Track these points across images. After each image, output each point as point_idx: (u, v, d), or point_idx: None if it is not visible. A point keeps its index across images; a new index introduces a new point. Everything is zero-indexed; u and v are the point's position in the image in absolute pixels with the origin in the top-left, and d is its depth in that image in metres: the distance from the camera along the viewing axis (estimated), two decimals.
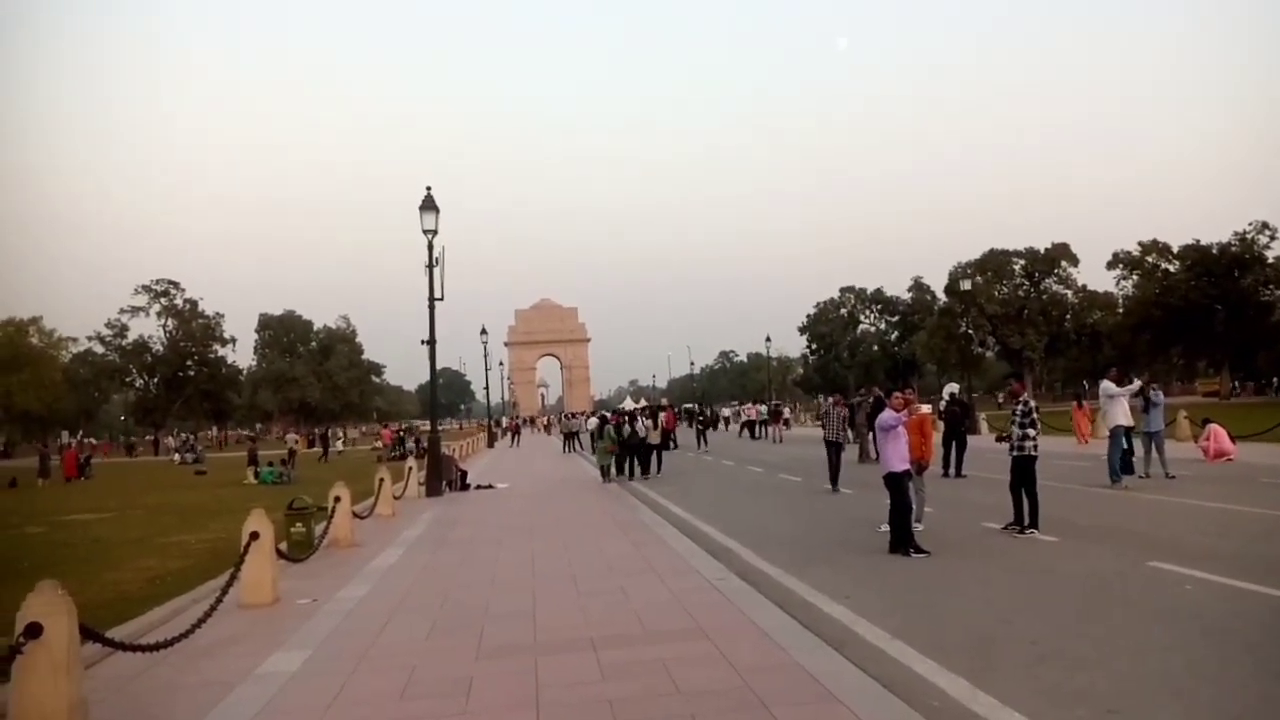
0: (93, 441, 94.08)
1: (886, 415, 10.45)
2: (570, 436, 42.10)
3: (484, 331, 57.58)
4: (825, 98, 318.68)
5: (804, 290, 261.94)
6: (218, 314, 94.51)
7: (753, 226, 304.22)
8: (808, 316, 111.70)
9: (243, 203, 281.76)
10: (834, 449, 17.85)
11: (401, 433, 48.65)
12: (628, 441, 23.26)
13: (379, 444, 50.51)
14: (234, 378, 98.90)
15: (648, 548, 11.12)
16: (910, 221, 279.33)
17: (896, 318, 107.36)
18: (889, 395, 11.03)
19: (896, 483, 10.32)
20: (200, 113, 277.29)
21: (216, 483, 30.57)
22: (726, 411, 51.75)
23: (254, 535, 8.62)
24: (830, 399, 22.46)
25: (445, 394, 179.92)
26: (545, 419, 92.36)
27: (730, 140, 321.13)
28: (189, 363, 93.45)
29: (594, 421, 42.54)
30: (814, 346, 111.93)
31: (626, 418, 24.67)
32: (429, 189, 20.95)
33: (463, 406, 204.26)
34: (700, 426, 37.34)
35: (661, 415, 36.90)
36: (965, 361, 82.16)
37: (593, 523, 14.20)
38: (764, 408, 47.71)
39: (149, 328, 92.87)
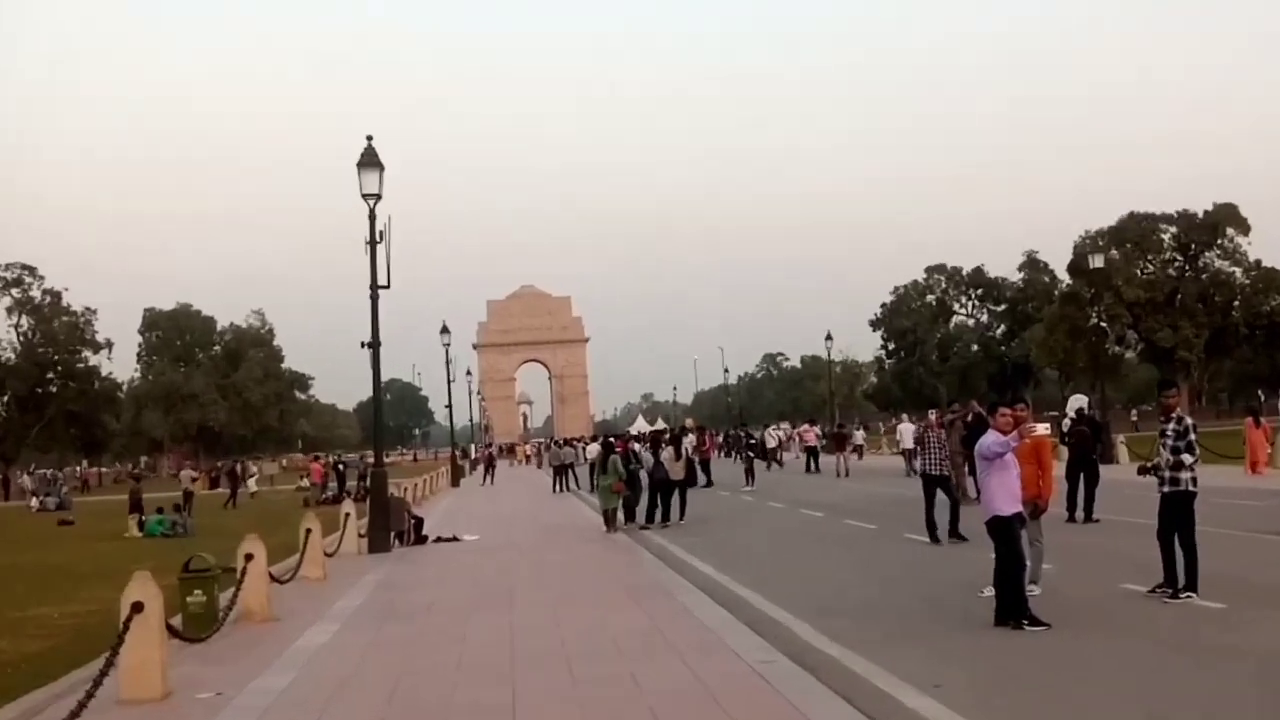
0: None
1: (990, 439, 10.38)
2: (563, 470, 42.18)
3: (445, 330, 57.64)
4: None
5: (877, 272, 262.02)
6: (88, 309, 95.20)
7: (807, 188, 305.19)
8: (883, 306, 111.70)
9: (123, 163, 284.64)
10: (934, 485, 17.73)
11: (340, 466, 48.78)
12: (652, 476, 23.31)
13: (306, 482, 50.73)
14: (111, 394, 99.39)
15: (667, 619, 11.11)
16: (1021, 174, 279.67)
17: (1003, 307, 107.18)
18: (992, 412, 10.94)
19: (1004, 530, 10.24)
20: (63, 40, 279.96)
21: (88, 535, 30.69)
22: (770, 438, 51.19)
23: (137, 607, 8.62)
24: (928, 417, 22.50)
25: (394, 415, 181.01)
26: (528, 446, 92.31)
27: (776, 68, 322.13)
28: (50, 375, 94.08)
29: (594, 449, 42.76)
30: (891, 346, 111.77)
31: (643, 444, 24.67)
32: (370, 140, 21.05)
33: (418, 431, 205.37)
34: (750, 456, 36.80)
35: (688, 440, 36.82)
36: (1097, 365, 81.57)
37: (593, 586, 14.19)
38: (814, 429, 47.61)
39: None
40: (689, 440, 36.96)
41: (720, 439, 65.47)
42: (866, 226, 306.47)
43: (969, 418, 24.03)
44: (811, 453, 44.51)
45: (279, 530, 19.25)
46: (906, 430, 42.92)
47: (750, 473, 35.87)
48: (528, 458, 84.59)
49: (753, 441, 38.46)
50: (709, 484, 35.63)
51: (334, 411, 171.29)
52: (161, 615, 8.93)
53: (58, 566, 21.87)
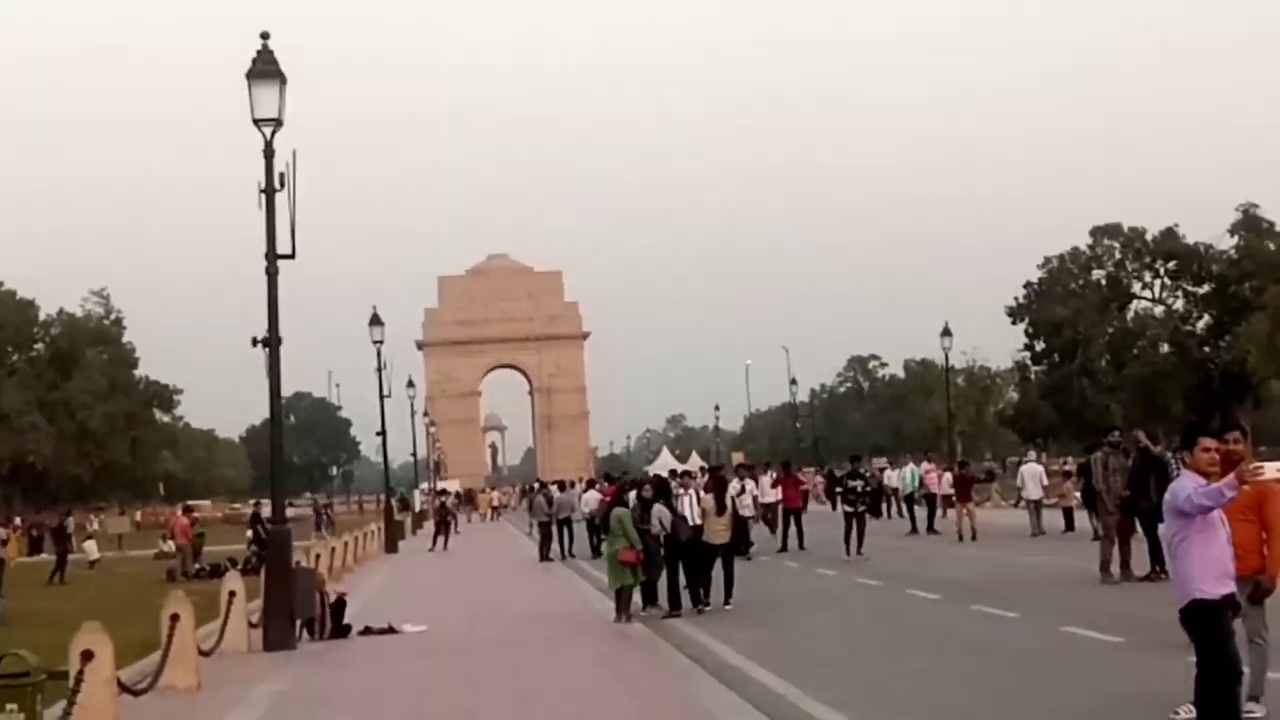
0: None
1: (1188, 487, 10.28)
2: (555, 529, 42.19)
3: (376, 319, 57.72)
4: None
5: (1017, 237, 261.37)
6: None
7: (908, 117, 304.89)
8: (1026, 287, 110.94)
9: None
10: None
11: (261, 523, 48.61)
12: (674, 538, 23.28)
13: (169, 545, 50.83)
14: None
15: None
16: (1231, 96, 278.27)
17: (1207, 288, 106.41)
18: (1188, 444, 10.79)
19: (1209, 622, 10.14)
20: None
21: None
22: (895, 480, 50.52)
23: None
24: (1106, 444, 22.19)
25: (302, 446, 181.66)
26: (495, 494, 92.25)
27: None
28: None
29: (591, 498, 42.59)
30: (1039, 346, 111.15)
31: (669, 491, 24.52)
32: (265, 40, 21.08)
33: (336, 470, 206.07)
34: (858, 508, 35.13)
35: (755, 483, 36.51)
36: None
37: (597, 705, 14.18)
38: (934, 469, 47.42)
39: None
40: (760, 482, 36.90)
41: (816, 480, 64.73)
42: (1000, 171, 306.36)
43: (1141, 452, 24.07)
44: (931, 504, 44.46)
45: (131, 616, 19.30)
46: (1030, 474, 42.81)
47: (859, 530, 34.06)
48: (495, 510, 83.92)
49: (863, 486, 36.59)
50: (801, 545, 36.02)
51: (212, 441, 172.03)
52: None
53: None
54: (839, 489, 37.25)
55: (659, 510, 24.33)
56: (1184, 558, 10.31)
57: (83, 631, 12.78)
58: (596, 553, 39.33)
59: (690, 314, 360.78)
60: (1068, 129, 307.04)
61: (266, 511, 31.66)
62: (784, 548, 37.15)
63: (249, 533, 46.57)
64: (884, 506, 47.87)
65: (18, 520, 69.91)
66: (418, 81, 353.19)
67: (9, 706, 11.76)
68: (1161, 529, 10.65)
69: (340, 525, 67.31)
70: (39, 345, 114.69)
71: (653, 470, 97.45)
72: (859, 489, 35.31)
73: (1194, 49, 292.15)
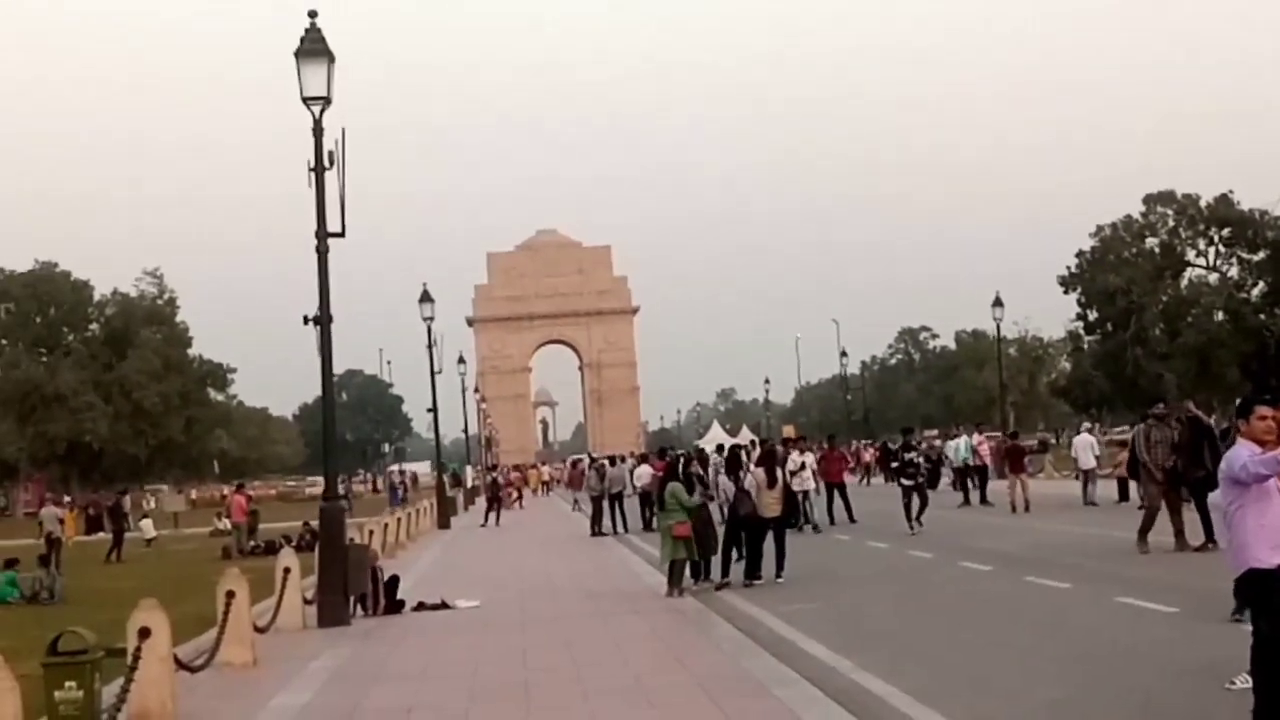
0: None
1: (1243, 455, 10.23)
2: (607, 503, 42.30)
3: (426, 297, 57.86)
4: None
5: (1069, 205, 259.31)
6: None
7: (958, 86, 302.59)
8: (1079, 256, 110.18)
9: None
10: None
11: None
12: (733, 512, 23.46)
13: (224, 523, 51.29)
14: None
15: None
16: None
17: (1262, 255, 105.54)
18: (1245, 413, 10.74)
19: (1264, 591, 10.11)
20: None
21: None
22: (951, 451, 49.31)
23: None
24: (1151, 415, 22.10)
25: (355, 423, 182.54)
26: (546, 469, 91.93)
27: None
28: None
29: (644, 472, 42.62)
30: (1092, 316, 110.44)
31: (719, 462, 24.59)
32: (314, 19, 21.13)
33: (389, 447, 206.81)
34: (917, 480, 34.95)
35: (804, 458, 36.13)
36: None
37: (650, 676, 14.25)
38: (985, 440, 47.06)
39: None
40: (805, 459, 36.62)
41: (868, 452, 64.42)
42: (1052, 141, 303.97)
43: (1184, 422, 23.93)
44: (983, 475, 44.33)
45: (188, 593, 19.49)
46: (1082, 444, 42.83)
47: (918, 504, 33.78)
48: (545, 485, 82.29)
49: (918, 459, 36.15)
50: (850, 519, 35.74)
51: (265, 419, 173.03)
52: (18, 718, 9.06)
53: None
54: (894, 463, 36.85)
55: (723, 482, 24.48)
56: (1239, 526, 10.28)
57: (140, 609, 12.88)
58: (649, 526, 39.99)
59: (740, 287, 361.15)
60: (1119, 96, 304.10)
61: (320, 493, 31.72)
62: (831, 521, 37.02)
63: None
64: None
65: (67, 499, 70.21)
66: (467, 61, 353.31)
67: (68, 684, 11.91)
68: (1213, 497, 10.61)
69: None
70: (94, 326, 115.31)
71: (703, 444, 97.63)
72: (915, 461, 35.32)
73: (1246, 18, 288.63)
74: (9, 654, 9.63)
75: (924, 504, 33.89)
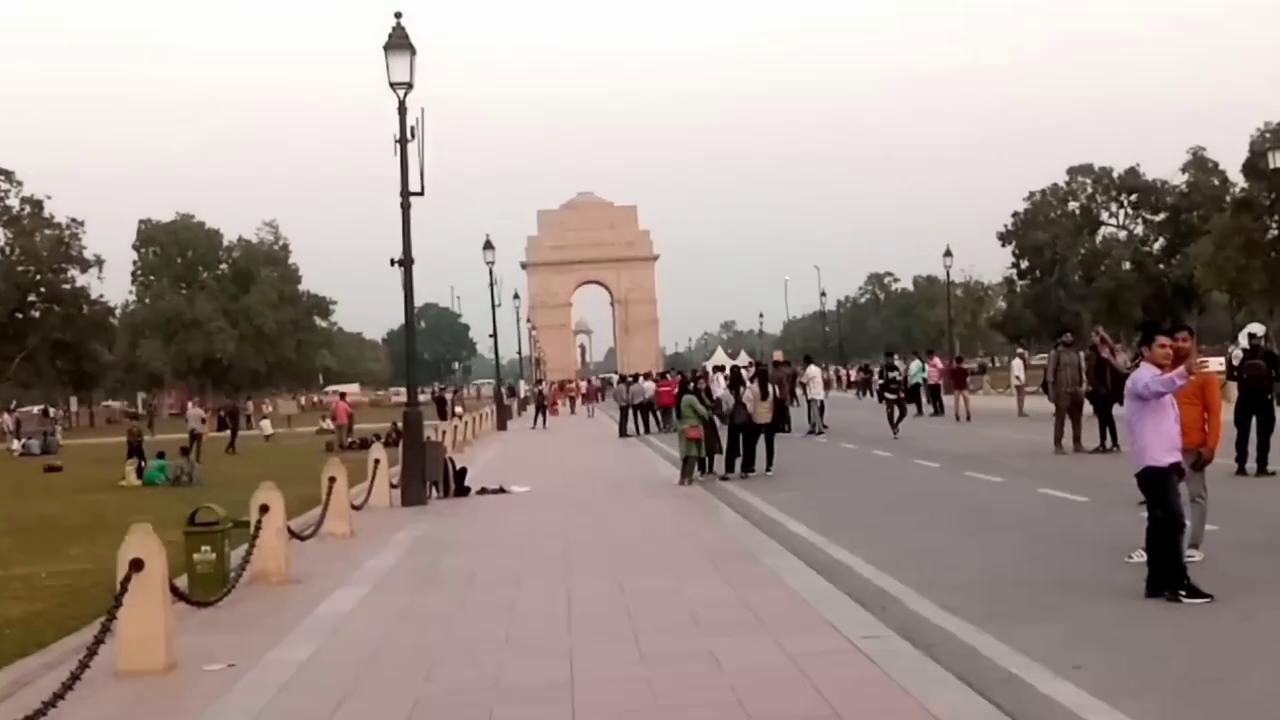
0: None
1: (1146, 376, 10.21)
2: (633, 412, 42.52)
3: (488, 244, 57.87)
4: None
5: (1006, 174, 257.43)
6: (75, 221, 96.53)
7: (917, 72, 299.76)
8: (1014, 216, 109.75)
9: (107, 47, 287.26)
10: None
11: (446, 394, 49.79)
12: (733, 419, 23.57)
13: (328, 424, 51.54)
14: (102, 321, 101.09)
15: (753, 588, 11.19)
16: (1185, 54, 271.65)
17: (1162, 216, 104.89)
18: (1148, 341, 10.73)
19: (1160, 485, 10.13)
20: None
21: (79, 484, 31.53)
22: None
23: (136, 565, 8.84)
24: (1060, 343, 22.05)
25: (430, 346, 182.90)
26: (583, 384, 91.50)
27: None
28: (32, 298, 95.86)
29: (648, 388, 43.18)
30: (1024, 264, 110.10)
31: (724, 377, 24.65)
32: (399, 19, 21.05)
33: (457, 365, 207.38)
34: (895, 397, 34.22)
35: (817, 371, 35.29)
36: (1276, 287, 79.91)
37: (666, 548, 14.33)
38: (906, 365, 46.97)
39: None
40: (814, 371, 36.28)
41: (852, 375, 64.10)
42: (992, 118, 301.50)
43: (1098, 345, 23.83)
44: (933, 392, 44.31)
45: (297, 480, 19.59)
46: (1017, 366, 43.05)
47: (899, 414, 33.13)
48: (581, 396, 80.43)
49: (896, 378, 35.50)
50: (822, 430, 34.89)
51: (360, 341, 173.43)
52: (165, 575, 9.15)
53: (45, 519, 22.52)
54: (881, 380, 36.43)
55: (724, 395, 24.51)
56: (1140, 433, 10.31)
57: (260, 490, 12.99)
58: (647, 429, 41.81)
59: (741, 238, 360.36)
60: (1048, 73, 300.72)
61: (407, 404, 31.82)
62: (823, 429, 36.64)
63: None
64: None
65: (190, 401, 70.46)
66: (526, 56, 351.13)
67: (203, 548, 12.06)
68: (1117, 410, 10.63)
69: (463, 405, 67.77)
70: (223, 266, 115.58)
71: (710, 364, 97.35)
72: (897, 379, 35.20)
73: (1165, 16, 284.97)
74: (157, 524, 9.69)
75: (903, 414, 33.63)
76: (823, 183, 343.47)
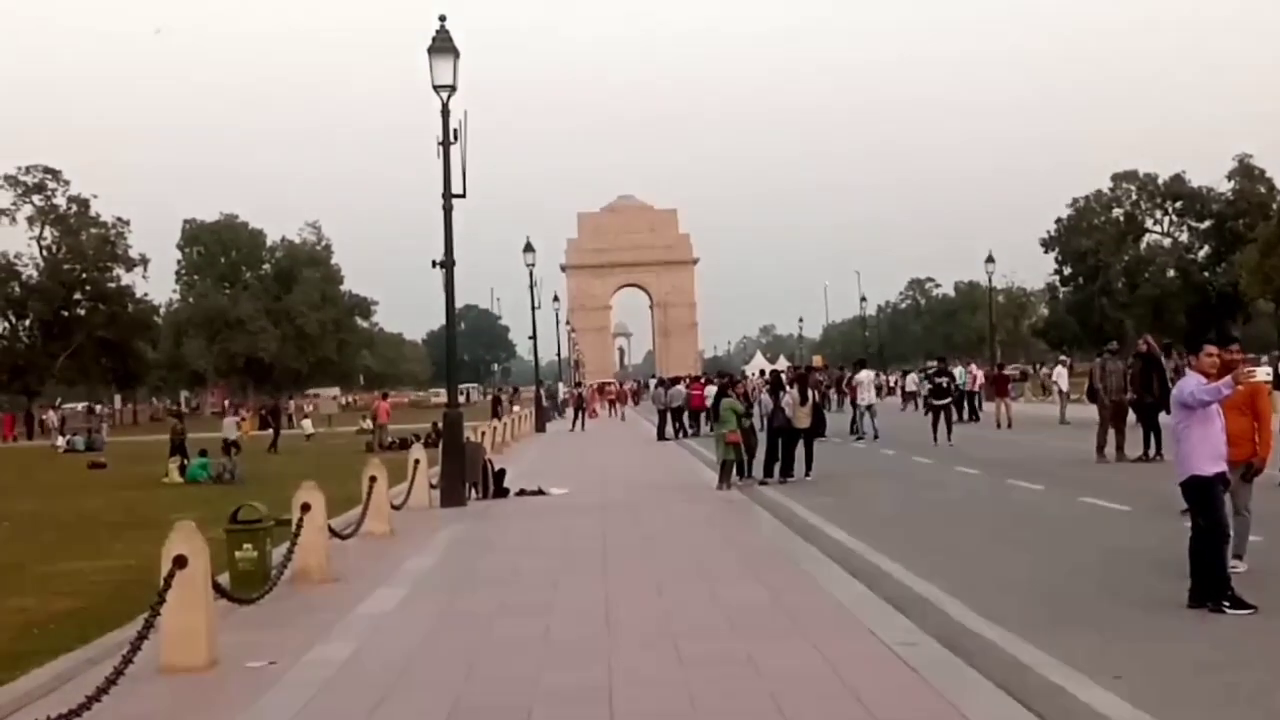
0: None
1: (1192, 385, 10.14)
2: (669, 415, 42.52)
3: (529, 247, 58.02)
4: None
5: (1050, 181, 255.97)
6: (120, 220, 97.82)
7: (962, 85, 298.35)
8: (1057, 223, 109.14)
9: (154, 49, 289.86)
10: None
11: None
12: (771, 423, 23.55)
13: (367, 423, 51.74)
14: (146, 319, 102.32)
15: (790, 592, 11.18)
16: (1231, 63, 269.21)
17: (1208, 224, 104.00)
18: (1194, 350, 10.66)
19: (1204, 494, 10.04)
20: None
21: (123, 481, 31.86)
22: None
23: (180, 561, 8.93)
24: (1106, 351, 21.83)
25: (470, 347, 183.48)
26: (620, 387, 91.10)
27: None
28: (78, 296, 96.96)
29: (679, 392, 43.12)
30: (1067, 271, 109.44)
31: (763, 384, 24.65)
32: (443, 22, 21.14)
33: (496, 367, 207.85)
34: (941, 402, 32.63)
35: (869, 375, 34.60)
36: None
37: (704, 552, 14.33)
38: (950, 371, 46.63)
39: (16, 241, 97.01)
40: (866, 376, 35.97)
41: (899, 382, 62.74)
42: (1038, 126, 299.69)
43: (1142, 353, 23.58)
44: (973, 398, 44.10)
45: (339, 478, 19.71)
46: (1059, 374, 42.59)
47: (944, 421, 31.85)
48: (618, 399, 79.13)
49: (946, 381, 33.84)
50: (873, 434, 34.30)
51: (400, 342, 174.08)
52: (207, 572, 9.24)
53: (89, 515, 22.77)
54: (929, 385, 35.04)
55: (764, 399, 24.49)
56: (1185, 441, 10.22)
57: (302, 489, 13.07)
58: (685, 432, 41.67)
59: (781, 242, 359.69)
60: (1092, 81, 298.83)
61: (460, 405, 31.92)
62: (852, 432, 36.49)
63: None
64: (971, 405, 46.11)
65: (243, 413, 71.03)
66: (567, 61, 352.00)
67: (245, 545, 12.14)
68: (1164, 419, 10.55)
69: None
70: (266, 266, 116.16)
71: (748, 370, 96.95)
72: (945, 385, 33.62)
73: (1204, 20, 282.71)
74: (200, 522, 9.78)
75: (949, 423, 32.04)
76: (863, 187, 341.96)
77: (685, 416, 42.28)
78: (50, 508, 24.68)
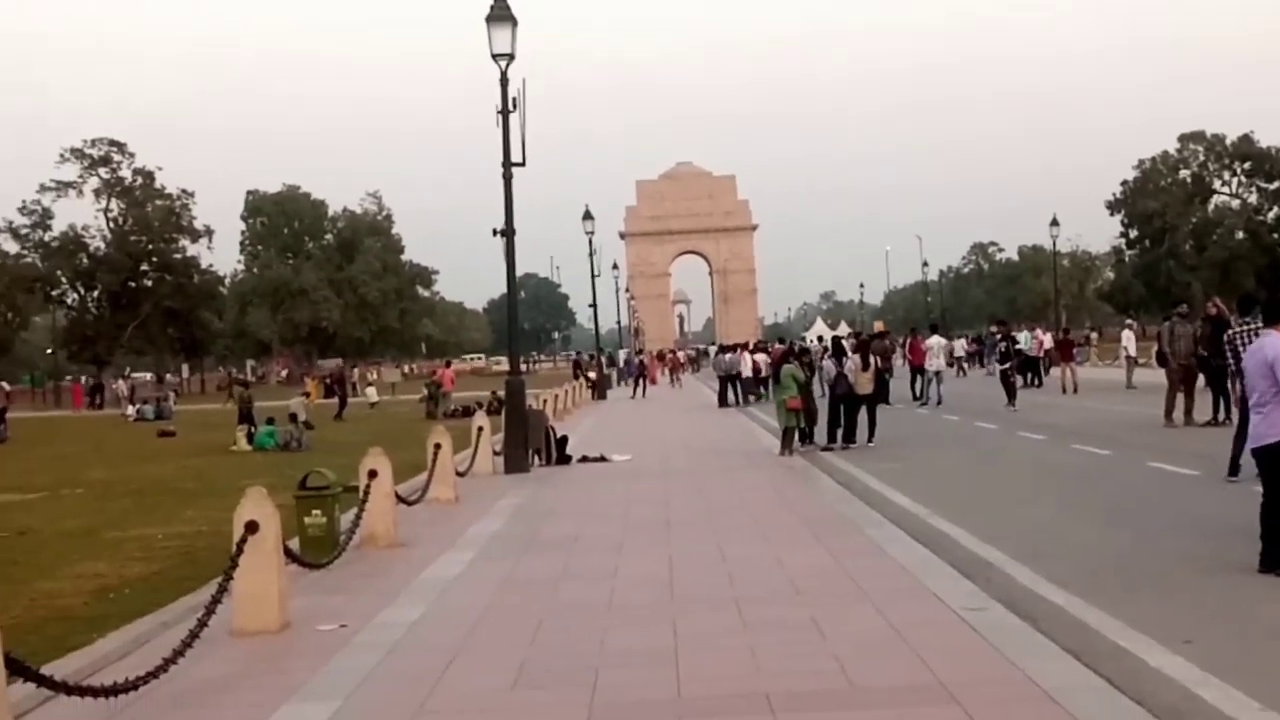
0: (4, 386, 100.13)
1: (1270, 344, 9.93)
2: (729, 381, 42.49)
3: (588, 214, 58.04)
4: None
5: (1116, 142, 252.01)
6: (185, 192, 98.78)
7: (1024, 45, 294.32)
8: (1123, 185, 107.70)
9: (216, 25, 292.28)
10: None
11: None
12: (834, 390, 23.57)
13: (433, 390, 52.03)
14: (212, 290, 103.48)
15: (854, 557, 11.19)
16: None
17: (1277, 185, 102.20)
18: (1255, 312, 10.43)
19: (1275, 461, 9.90)
20: None
21: (191, 449, 32.36)
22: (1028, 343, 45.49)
23: (251, 527, 9.09)
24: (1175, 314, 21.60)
25: (530, 315, 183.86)
26: (678, 355, 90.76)
27: None
28: (145, 267, 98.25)
29: (758, 358, 42.94)
30: (1133, 234, 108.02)
31: (822, 351, 24.59)
32: None
33: (557, 335, 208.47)
34: (1011, 366, 33.00)
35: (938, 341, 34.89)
36: None
37: (766, 517, 14.36)
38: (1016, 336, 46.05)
39: (84, 213, 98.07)
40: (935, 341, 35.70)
41: (965, 346, 62.08)
42: (1102, 87, 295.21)
43: (1210, 318, 23.18)
44: (1037, 363, 43.69)
45: (404, 445, 19.96)
46: (1127, 338, 42.00)
47: (1012, 386, 32.22)
48: (677, 368, 77.35)
49: (1017, 348, 34.06)
50: (937, 400, 34.17)
51: (461, 311, 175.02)
52: (278, 537, 9.40)
53: (160, 482, 23.16)
54: (1002, 350, 35.05)
55: (826, 365, 24.43)
56: (1260, 407, 9.93)
57: (369, 455, 13.22)
58: (746, 399, 41.61)
59: (841, 206, 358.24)
60: (1157, 42, 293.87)
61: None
62: (914, 397, 36.35)
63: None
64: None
65: (307, 391, 71.66)
66: (626, 25, 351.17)
67: (314, 512, 12.32)
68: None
69: (560, 377, 68.20)
70: (329, 236, 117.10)
71: (808, 336, 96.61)
72: (1012, 350, 33.89)
73: None
74: (270, 489, 9.93)
75: (1009, 388, 32.07)
76: (926, 151, 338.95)
77: (740, 384, 42.19)
78: (121, 475, 25.11)
